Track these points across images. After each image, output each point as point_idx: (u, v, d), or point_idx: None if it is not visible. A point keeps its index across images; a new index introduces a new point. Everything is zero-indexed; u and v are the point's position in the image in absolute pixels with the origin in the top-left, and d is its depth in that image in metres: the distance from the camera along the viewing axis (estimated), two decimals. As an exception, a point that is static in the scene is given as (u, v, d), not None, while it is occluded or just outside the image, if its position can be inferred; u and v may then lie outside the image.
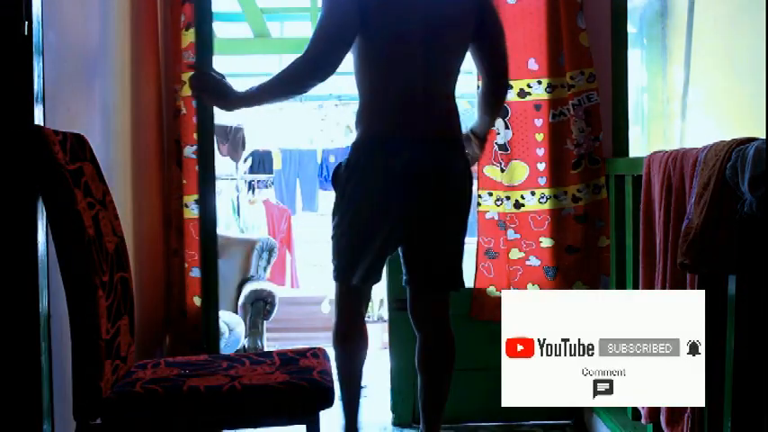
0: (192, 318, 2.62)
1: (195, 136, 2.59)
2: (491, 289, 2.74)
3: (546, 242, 2.70)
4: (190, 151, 2.60)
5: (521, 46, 2.67)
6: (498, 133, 2.69)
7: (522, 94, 2.68)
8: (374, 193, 2.04)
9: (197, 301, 2.62)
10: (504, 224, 2.72)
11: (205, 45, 2.30)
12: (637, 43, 4.35)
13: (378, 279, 2.15)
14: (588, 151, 2.65)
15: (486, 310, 2.73)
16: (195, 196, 2.61)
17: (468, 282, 2.79)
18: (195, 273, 2.62)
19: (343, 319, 2.19)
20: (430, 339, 2.15)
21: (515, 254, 2.72)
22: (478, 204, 2.75)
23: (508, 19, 2.66)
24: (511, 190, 2.71)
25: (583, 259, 2.68)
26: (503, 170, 2.70)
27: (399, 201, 2.03)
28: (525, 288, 2.71)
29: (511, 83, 2.67)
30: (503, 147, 2.70)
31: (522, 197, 2.70)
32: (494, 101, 2.26)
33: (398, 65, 2.05)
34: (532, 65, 2.67)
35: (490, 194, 2.73)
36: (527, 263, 2.71)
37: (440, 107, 2.08)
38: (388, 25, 2.04)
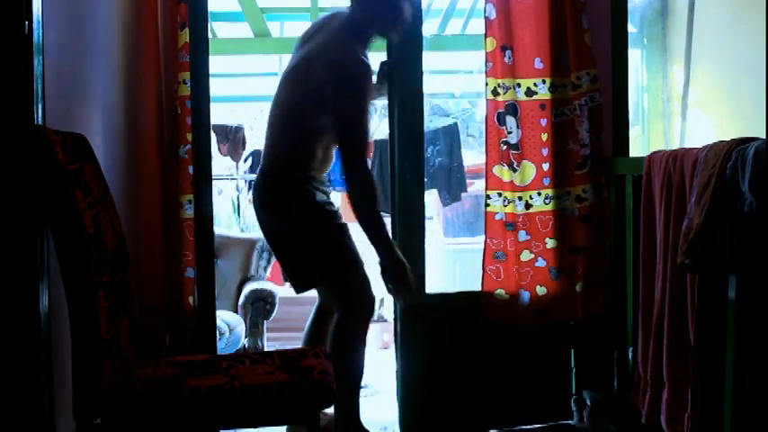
0: (189, 318, 2.62)
1: (189, 136, 2.59)
2: (500, 291, 2.66)
3: (550, 243, 2.67)
4: (183, 151, 2.60)
5: (527, 44, 2.64)
6: (510, 132, 2.67)
7: (529, 93, 2.65)
8: None
9: (191, 301, 2.62)
10: (513, 225, 2.67)
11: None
12: (637, 43, 4.36)
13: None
14: (592, 151, 2.64)
15: (494, 313, 2.66)
16: (189, 196, 2.60)
17: (475, 285, 2.71)
18: (190, 273, 2.62)
19: None
20: None
21: (526, 255, 2.66)
22: (487, 205, 2.69)
23: (514, 17, 2.64)
24: (522, 190, 2.66)
25: (587, 259, 2.67)
26: (515, 170, 2.65)
27: None
28: (534, 290, 2.67)
29: (519, 81, 2.64)
30: (514, 146, 2.65)
31: (531, 197, 2.67)
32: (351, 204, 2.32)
33: None
34: (538, 64, 2.65)
35: (499, 195, 2.66)
36: (536, 264, 2.67)
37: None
38: None
